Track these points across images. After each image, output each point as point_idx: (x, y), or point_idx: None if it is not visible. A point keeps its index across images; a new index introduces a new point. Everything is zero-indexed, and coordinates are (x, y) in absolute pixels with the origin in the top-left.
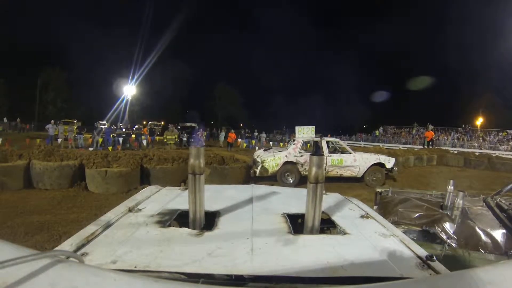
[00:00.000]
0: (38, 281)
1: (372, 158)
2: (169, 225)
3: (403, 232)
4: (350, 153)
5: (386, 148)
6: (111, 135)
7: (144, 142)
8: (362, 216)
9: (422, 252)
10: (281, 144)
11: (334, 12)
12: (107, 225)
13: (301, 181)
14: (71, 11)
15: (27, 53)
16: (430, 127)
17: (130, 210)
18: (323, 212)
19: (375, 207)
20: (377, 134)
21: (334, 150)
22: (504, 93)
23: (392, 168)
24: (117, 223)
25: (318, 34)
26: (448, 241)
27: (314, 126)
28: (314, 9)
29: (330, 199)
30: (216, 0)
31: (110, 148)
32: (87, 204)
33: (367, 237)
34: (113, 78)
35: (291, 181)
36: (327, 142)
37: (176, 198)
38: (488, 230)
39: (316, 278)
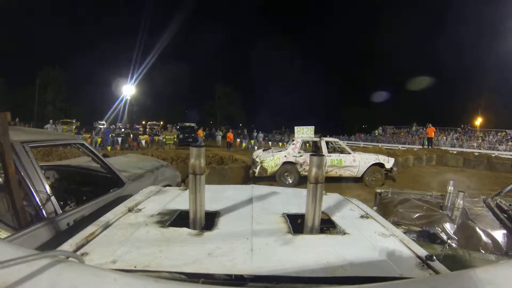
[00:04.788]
0: (38, 281)
1: (372, 158)
2: (169, 225)
3: (403, 233)
4: (349, 153)
5: (386, 148)
6: (109, 135)
7: (142, 141)
8: (362, 216)
9: (422, 252)
10: (280, 144)
11: (333, 12)
12: (107, 225)
13: (300, 181)
14: (71, 11)
15: (27, 53)
16: (428, 125)
17: (130, 210)
18: (323, 212)
19: (374, 208)
20: (377, 134)
21: (333, 150)
22: (503, 93)
23: (391, 168)
24: (117, 223)
25: (318, 34)
26: (449, 241)
27: (313, 126)
28: (313, 9)
29: (330, 199)
30: (215, 1)
31: (109, 148)
32: None
33: (367, 237)
34: (112, 78)
35: (290, 181)
36: (327, 142)
37: (176, 198)
38: (489, 230)
39: (316, 278)
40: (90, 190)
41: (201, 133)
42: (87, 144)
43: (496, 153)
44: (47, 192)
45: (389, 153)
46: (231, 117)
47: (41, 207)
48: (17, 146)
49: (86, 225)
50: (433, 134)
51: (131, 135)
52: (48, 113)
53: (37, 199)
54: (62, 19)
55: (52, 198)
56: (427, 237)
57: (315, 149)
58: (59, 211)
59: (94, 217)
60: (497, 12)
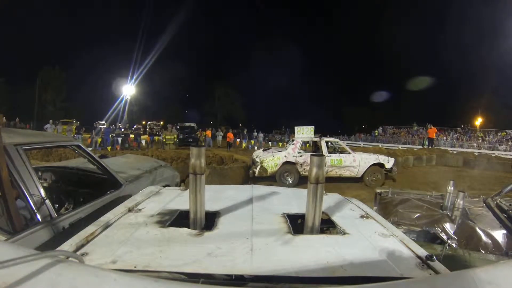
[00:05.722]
0: (38, 281)
1: (372, 158)
2: (169, 225)
3: (403, 233)
4: (349, 153)
5: (386, 148)
6: (110, 135)
7: (142, 141)
8: (362, 216)
9: (422, 252)
10: (280, 144)
11: (334, 12)
12: (107, 225)
13: (300, 181)
14: (71, 11)
15: (27, 53)
16: (429, 126)
17: (130, 210)
18: (323, 213)
19: (375, 208)
20: (376, 134)
21: (333, 150)
22: (503, 93)
23: (391, 168)
24: (116, 223)
25: (317, 34)
26: (449, 241)
27: (313, 126)
28: (314, 9)
29: (330, 199)
30: (215, 1)
31: (109, 148)
32: None
33: (367, 237)
34: (112, 78)
35: (290, 181)
36: (327, 142)
37: (176, 198)
38: (489, 230)
39: (316, 278)
40: (87, 192)
41: (209, 133)
42: (82, 146)
43: (496, 153)
44: (41, 195)
45: (389, 153)
46: (231, 117)
47: (36, 210)
48: (10, 148)
49: (82, 228)
50: (434, 134)
51: (132, 135)
52: (48, 113)
53: (31, 203)
54: (62, 19)
55: (47, 201)
56: (427, 237)
57: (315, 149)
58: (54, 214)
59: (90, 219)
60: (497, 12)
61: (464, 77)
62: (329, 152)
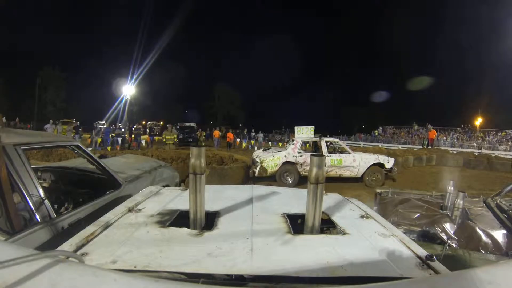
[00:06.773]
0: (38, 281)
1: (372, 158)
2: (169, 225)
3: (403, 233)
4: (349, 153)
5: (386, 148)
6: (109, 135)
7: (142, 141)
8: (362, 216)
9: (422, 252)
10: (280, 144)
11: (334, 12)
12: (107, 225)
13: (300, 181)
14: (71, 11)
15: (26, 53)
16: (429, 127)
17: (129, 210)
18: (323, 212)
19: (375, 208)
20: (376, 134)
21: (333, 150)
22: (503, 93)
23: (391, 168)
24: (116, 223)
25: (317, 34)
26: (449, 241)
27: (313, 126)
28: (313, 9)
29: (330, 199)
30: (215, 1)
31: (109, 148)
32: None
33: (367, 237)
34: (112, 78)
35: (290, 181)
36: (326, 142)
37: (176, 198)
38: (489, 230)
39: (316, 278)
40: (86, 192)
41: (217, 133)
42: (82, 146)
43: (496, 153)
44: (40, 195)
45: (389, 153)
46: (231, 117)
47: (35, 211)
48: (9, 148)
49: (81, 229)
50: (434, 136)
51: (133, 135)
52: (48, 113)
53: (30, 203)
54: (62, 19)
55: (46, 201)
56: (427, 237)
57: (315, 149)
58: (53, 214)
59: (90, 220)
60: (497, 12)
61: (464, 77)
62: (329, 152)
